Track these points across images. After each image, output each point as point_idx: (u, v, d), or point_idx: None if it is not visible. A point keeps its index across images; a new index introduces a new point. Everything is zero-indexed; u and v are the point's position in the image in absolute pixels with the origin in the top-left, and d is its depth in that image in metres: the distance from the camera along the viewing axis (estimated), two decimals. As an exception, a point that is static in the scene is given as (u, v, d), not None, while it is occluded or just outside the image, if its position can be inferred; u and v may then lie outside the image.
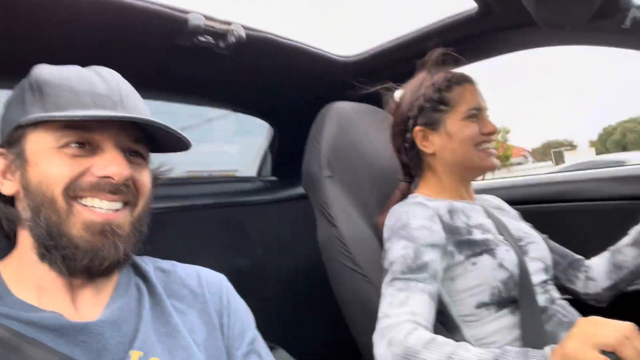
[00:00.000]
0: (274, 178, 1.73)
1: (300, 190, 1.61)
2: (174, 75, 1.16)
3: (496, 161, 1.05)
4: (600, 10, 1.03)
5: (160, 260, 0.77)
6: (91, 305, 0.63)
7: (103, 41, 0.75)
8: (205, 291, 0.74)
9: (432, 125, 1.05)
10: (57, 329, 0.57)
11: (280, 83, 1.39)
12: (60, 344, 0.56)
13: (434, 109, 1.05)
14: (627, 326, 0.64)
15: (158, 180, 0.75)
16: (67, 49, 0.67)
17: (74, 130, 0.60)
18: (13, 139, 0.63)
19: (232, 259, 1.36)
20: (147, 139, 0.68)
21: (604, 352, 0.63)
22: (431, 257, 0.92)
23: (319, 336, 1.40)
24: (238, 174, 1.75)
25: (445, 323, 0.97)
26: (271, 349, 0.81)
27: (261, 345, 0.77)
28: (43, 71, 0.64)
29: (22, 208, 0.62)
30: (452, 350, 0.77)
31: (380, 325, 0.86)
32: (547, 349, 0.70)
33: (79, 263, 0.59)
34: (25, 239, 0.62)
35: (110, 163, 0.61)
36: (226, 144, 1.81)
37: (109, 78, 0.65)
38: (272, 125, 1.69)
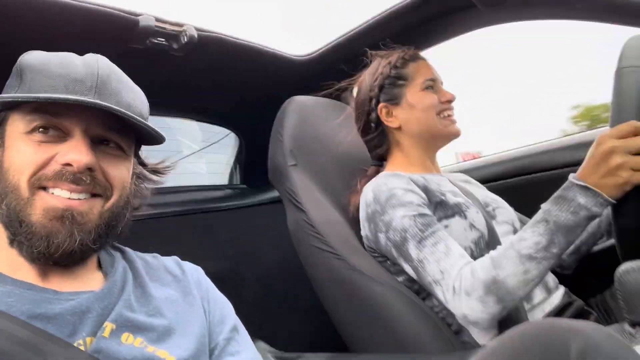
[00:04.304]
0: (243, 186, 1.74)
1: (269, 194, 1.63)
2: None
3: (459, 128, 1.10)
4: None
5: (140, 252, 0.78)
6: (59, 282, 0.62)
7: (53, 45, 0.76)
8: (188, 276, 0.76)
9: (394, 100, 1.10)
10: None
11: (238, 86, 1.41)
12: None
13: (393, 84, 1.11)
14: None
15: (161, 173, 0.75)
16: (17, 54, 0.67)
17: (42, 114, 0.60)
18: None
19: (206, 263, 1.33)
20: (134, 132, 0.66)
21: None
22: (428, 211, 0.95)
23: (297, 330, 1.40)
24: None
25: (420, 291, 0.99)
26: (250, 341, 0.81)
27: (242, 333, 0.77)
28: (28, 56, 0.63)
29: None
30: (513, 249, 0.82)
31: (446, 283, 0.86)
32: (571, 176, 0.81)
33: (35, 249, 0.58)
34: None
35: (71, 150, 0.59)
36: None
37: (91, 62, 0.64)
38: (237, 134, 1.71)
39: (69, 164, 0.59)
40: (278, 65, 1.39)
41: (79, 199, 0.60)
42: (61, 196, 0.59)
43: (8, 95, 0.59)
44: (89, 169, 0.60)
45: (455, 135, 1.11)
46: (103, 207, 0.62)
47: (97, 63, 0.64)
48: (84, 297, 0.60)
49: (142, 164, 0.76)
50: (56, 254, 0.58)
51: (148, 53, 1.07)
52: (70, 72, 0.61)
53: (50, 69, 0.61)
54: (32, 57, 0.63)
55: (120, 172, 0.65)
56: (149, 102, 1.42)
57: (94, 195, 0.61)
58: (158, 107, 1.43)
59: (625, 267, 0.67)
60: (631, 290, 0.66)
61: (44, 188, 0.59)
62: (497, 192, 1.25)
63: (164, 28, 1.03)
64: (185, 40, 1.06)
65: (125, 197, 0.66)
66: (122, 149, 0.66)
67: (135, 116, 0.62)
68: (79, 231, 0.59)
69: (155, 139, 0.68)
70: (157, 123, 1.54)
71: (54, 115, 0.60)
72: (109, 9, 0.94)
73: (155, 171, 0.76)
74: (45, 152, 0.59)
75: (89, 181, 0.60)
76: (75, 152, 0.59)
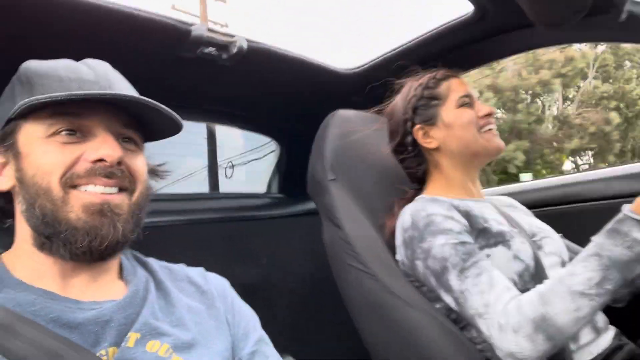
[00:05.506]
0: (281, 195, 1.73)
1: (307, 206, 1.62)
2: (178, 89, 1.19)
3: (502, 142, 1.05)
4: (595, 6, 1.05)
5: (165, 262, 0.78)
6: (81, 291, 0.62)
7: (106, 52, 0.78)
8: (212, 289, 0.75)
9: (430, 121, 1.07)
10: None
11: (283, 97, 1.42)
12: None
13: (427, 105, 1.08)
14: None
15: (159, 176, 0.75)
16: (68, 58, 0.69)
17: (63, 117, 0.60)
18: (6, 134, 0.63)
19: (239, 271, 1.34)
20: (140, 126, 0.67)
21: None
22: (470, 239, 0.92)
23: (329, 345, 1.37)
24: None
25: (458, 321, 0.94)
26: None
27: (268, 345, 0.76)
28: (31, 64, 0.64)
29: (18, 201, 0.62)
30: (563, 285, 0.79)
31: (491, 318, 0.82)
32: (625, 208, 0.79)
33: (80, 245, 0.58)
34: (22, 231, 0.63)
35: (101, 146, 0.61)
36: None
37: (97, 67, 0.66)
38: (278, 143, 1.71)
39: (101, 160, 0.60)
40: (324, 78, 1.38)
41: (111, 193, 0.61)
42: (96, 191, 0.60)
43: (30, 98, 0.58)
44: (119, 163, 0.61)
45: (499, 149, 1.06)
46: (131, 200, 0.64)
47: (101, 65, 0.66)
48: (106, 306, 0.60)
49: None
50: (101, 247, 0.59)
51: (196, 61, 1.08)
52: (80, 75, 0.63)
53: (60, 73, 0.62)
54: (36, 65, 0.64)
55: (141, 166, 0.67)
56: (195, 108, 1.45)
57: (121, 189, 0.63)
58: (203, 114, 1.46)
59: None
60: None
61: (75, 187, 0.59)
62: (544, 218, 1.19)
63: (215, 38, 1.04)
64: (235, 50, 1.07)
65: (145, 190, 0.67)
66: (137, 144, 0.68)
67: (164, 107, 0.63)
68: (119, 222, 0.60)
69: (163, 133, 0.70)
70: (202, 129, 1.57)
71: (75, 117, 0.61)
72: (163, 18, 0.96)
73: (153, 172, 0.74)
74: (72, 153, 0.60)
75: (120, 174, 0.62)
76: (106, 147, 0.61)
